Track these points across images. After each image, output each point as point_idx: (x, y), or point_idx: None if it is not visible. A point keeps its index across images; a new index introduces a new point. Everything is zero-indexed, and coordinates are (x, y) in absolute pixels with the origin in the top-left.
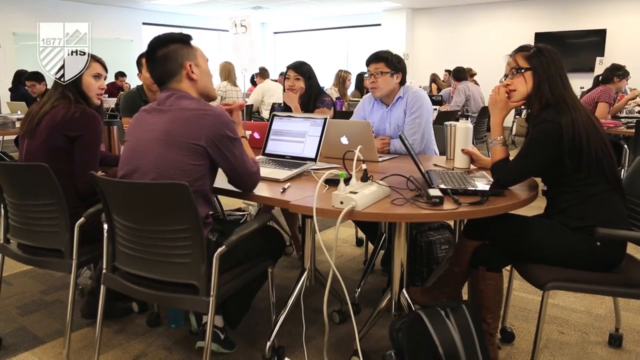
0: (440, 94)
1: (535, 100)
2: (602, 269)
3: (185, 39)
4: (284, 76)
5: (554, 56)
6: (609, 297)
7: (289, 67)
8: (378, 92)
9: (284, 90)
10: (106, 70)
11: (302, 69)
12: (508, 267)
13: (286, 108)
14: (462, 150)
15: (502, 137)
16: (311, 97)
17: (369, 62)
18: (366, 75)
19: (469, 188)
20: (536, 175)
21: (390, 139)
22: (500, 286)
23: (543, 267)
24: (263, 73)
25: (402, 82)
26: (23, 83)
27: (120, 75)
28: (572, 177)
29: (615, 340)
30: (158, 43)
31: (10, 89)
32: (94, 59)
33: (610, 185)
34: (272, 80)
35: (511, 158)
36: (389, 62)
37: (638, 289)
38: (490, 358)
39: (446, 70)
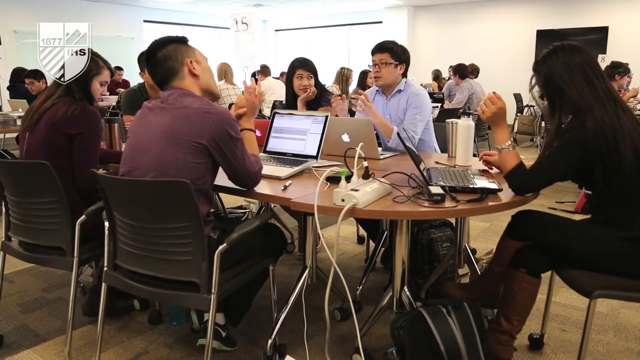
0: (442, 91)
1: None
2: None
3: (182, 40)
4: (287, 74)
5: (556, 62)
6: None
7: (299, 66)
8: (381, 82)
9: (287, 88)
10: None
11: (311, 67)
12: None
13: (287, 106)
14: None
15: (511, 141)
16: (316, 94)
17: (374, 51)
18: (369, 64)
19: (468, 186)
20: (560, 181)
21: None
22: (535, 291)
23: (588, 274)
24: (265, 70)
25: (405, 73)
26: (22, 81)
27: (117, 69)
28: (611, 183)
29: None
30: (156, 45)
31: (8, 88)
32: (107, 66)
33: None
34: (273, 77)
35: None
36: (393, 53)
37: None
38: (491, 355)
39: (451, 67)
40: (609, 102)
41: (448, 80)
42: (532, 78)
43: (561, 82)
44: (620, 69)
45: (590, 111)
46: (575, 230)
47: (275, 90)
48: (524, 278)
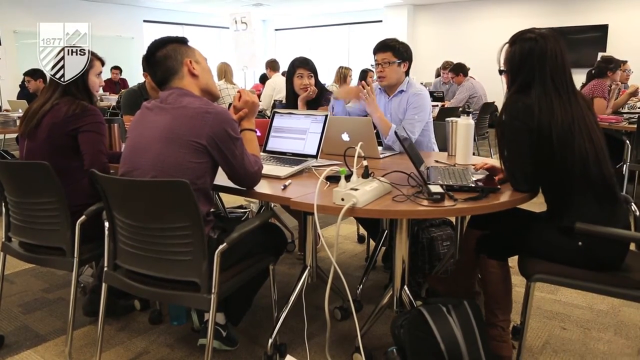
0: (431, 88)
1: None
2: (593, 270)
3: (182, 40)
4: (287, 74)
5: (530, 47)
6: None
7: (299, 65)
8: (385, 81)
9: (288, 87)
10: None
11: (311, 66)
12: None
13: (288, 105)
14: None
15: None
16: (316, 93)
17: (376, 50)
18: (372, 64)
19: (467, 184)
20: (528, 164)
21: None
22: (503, 276)
23: (537, 260)
24: (274, 65)
25: (408, 71)
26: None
27: (114, 68)
28: (553, 173)
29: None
30: (156, 45)
31: (20, 85)
32: (96, 57)
33: (589, 184)
34: (282, 74)
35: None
36: (396, 52)
37: (627, 289)
38: (492, 354)
39: (444, 67)
40: (565, 96)
41: (436, 77)
42: (503, 46)
43: (528, 68)
44: (611, 64)
45: (534, 96)
46: (526, 221)
47: (281, 89)
48: (487, 262)
